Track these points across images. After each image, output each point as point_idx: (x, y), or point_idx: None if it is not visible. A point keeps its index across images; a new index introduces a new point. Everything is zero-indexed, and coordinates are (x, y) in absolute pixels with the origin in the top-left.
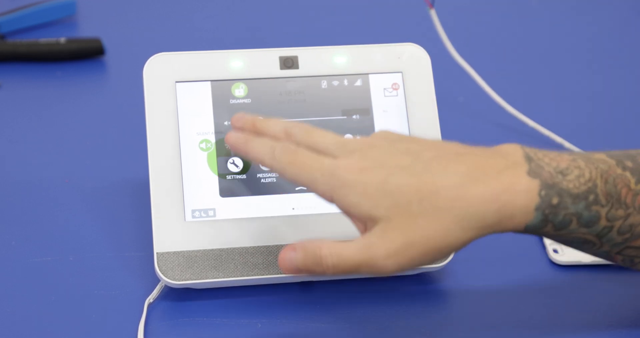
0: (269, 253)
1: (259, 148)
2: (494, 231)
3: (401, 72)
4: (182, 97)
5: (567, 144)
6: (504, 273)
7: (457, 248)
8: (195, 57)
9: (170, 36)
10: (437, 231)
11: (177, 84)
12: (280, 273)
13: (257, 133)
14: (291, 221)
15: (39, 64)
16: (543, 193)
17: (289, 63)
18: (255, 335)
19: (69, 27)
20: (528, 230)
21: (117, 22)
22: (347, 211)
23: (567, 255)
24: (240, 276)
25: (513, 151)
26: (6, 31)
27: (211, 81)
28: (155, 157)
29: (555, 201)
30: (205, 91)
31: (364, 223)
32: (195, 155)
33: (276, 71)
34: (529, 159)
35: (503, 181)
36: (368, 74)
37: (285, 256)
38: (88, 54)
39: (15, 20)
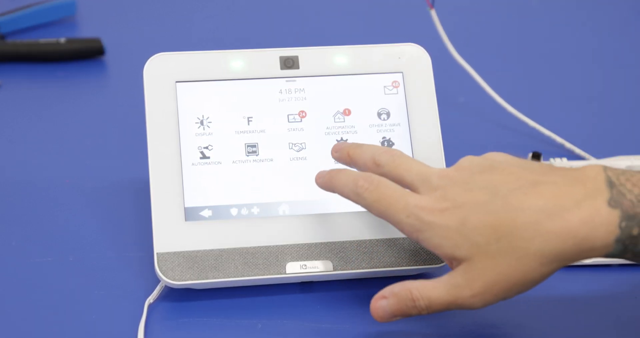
0: (269, 253)
1: (342, 185)
2: (573, 261)
3: (401, 72)
4: (182, 97)
5: (567, 145)
6: None
7: (539, 281)
8: (196, 57)
9: (170, 36)
10: (517, 269)
11: (178, 84)
12: (280, 273)
13: (351, 162)
14: (292, 220)
15: (39, 64)
16: (623, 224)
17: (289, 63)
18: (255, 335)
19: (69, 27)
20: (607, 256)
21: (117, 22)
22: (432, 251)
23: None
24: (241, 277)
25: (595, 174)
26: (6, 31)
27: (211, 81)
28: (156, 157)
29: (635, 231)
30: (205, 91)
31: (450, 260)
32: (195, 155)
33: (276, 70)
34: (610, 184)
35: (582, 214)
36: (368, 74)
37: (378, 305)
38: (88, 54)
39: (15, 21)
